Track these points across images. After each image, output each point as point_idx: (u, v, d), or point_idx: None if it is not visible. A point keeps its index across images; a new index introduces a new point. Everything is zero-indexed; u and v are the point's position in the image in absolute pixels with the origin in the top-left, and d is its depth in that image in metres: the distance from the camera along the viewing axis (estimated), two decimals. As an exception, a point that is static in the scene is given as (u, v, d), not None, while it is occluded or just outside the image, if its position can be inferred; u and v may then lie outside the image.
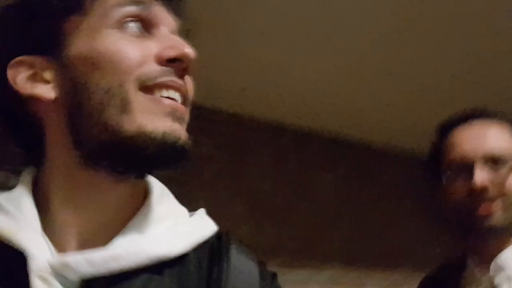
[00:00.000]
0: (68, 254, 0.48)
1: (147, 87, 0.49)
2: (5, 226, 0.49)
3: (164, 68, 0.51)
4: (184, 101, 0.52)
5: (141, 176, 0.53)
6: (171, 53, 0.51)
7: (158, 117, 0.49)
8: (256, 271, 0.55)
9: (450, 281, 0.98)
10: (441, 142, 1.00)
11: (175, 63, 0.51)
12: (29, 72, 0.52)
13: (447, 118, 1.02)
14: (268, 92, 2.57)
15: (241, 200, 2.70)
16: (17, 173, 0.57)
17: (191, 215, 0.58)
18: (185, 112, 0.52)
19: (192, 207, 0.58)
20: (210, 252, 0.54)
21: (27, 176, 0.55)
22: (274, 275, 0.58)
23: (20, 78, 0.52)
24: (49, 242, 0.49)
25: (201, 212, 0.58)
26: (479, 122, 0.97)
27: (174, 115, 0.50)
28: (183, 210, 0.58)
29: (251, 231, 2.62)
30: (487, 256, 0.93)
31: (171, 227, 0.53)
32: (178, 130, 0.49)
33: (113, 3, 0.51)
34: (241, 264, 0.54)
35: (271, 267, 0.57)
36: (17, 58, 0.52)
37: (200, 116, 2.38)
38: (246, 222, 2.63)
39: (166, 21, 0.54)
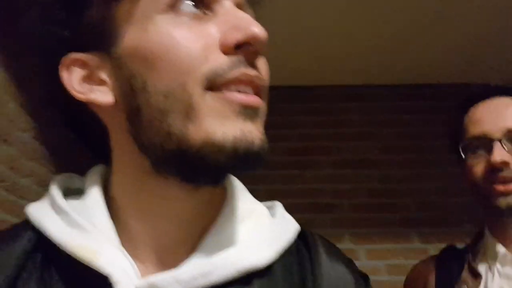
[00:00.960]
0: (155, 274, 0.44)
1: (216, 86, 0.42)
2: (83, 246, 0.44)
3: (233, 58, 0.43)
4: (259, 92, 0.45)
5: (217, 183, 0.47)
6: (238, 37, 0.42)
7: (228, 120, 0.42)
8: (349, 276, 0.50)
9: (458, 259, 0.97)
10: (461, 118, 0.99)
11: (244, 48, 0.43)
12: (84, 72, 0.46)
13: (467, 95, 1.01)
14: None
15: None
16: (84, 173, 0.52)
17: (271, 213, 0.54)
18: (260, 105, 0.44)
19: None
20: (298, 257, 0.50)
21: (96, 177, 0.50)
22: (366, 277, 0.53)
23: (75, 80, 0.46)
24: (130, 258, 0.45)
25: (280, 209, 0.54)
26: (500, 99, 0.95)
27: (246, 113, 0.42)
28: (262, 208, 0.54)
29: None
30: (507, 236, 0.92)
31: (256, 233, 0.49)
32: (251, 132, 0.42)
33: None
34: (333, 270, 0.49)
35: None
36: (70, 56, 0.47)
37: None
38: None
39: None
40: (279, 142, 2.46)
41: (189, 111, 0.42)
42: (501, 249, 0.92)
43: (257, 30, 0.43)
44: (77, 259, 0.43)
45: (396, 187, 2.43)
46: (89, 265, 0.43)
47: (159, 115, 0.42)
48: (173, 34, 0.43)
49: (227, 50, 0.43)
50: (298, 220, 0.53)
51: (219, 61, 0.42)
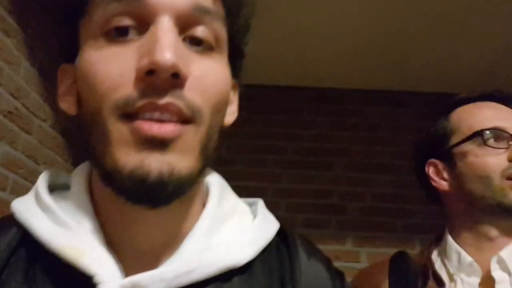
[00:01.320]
0: (138, 273, 0.43)
1: (128, 114, 0.41)
2: (68, 245, 0.43)
3: (144, 85, 0.41)
4: (183, 117, 0.42)
5: (155, 205, 0.43)
6: (145, 64, 0.40)
7: (132, 150, 0.41)
8: (326, 273, 0.51)
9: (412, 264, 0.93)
10: (445, 118, 0.97)
11: (155, 75, 0.40)
12: (69, 81, 0.48)
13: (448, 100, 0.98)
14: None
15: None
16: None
17: (252, 211, 0.54)
18: (171, 135, 0.41)
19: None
20: (278, 254, 0.51)
21: (82, 174, 0.50)
22: (342, 275, 0.54)
23: (62, 88, 0.49)
24: (115, 258, 0.44)
25: (261, 207, 0.54)
26: (493, 103, 0.93)
27: (152, 144, 0.40)
28: (244, 207, 0.54)
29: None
30: (490, 240, 0.88)
31: (238, 232, 0.49)
32: (150, 164, 0.40)
33: (98, 1, 0.43)
34: (311, 267, 0.50)
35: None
36: (61, 66, 0.49)
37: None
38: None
39: (167, 5, 0.42)
40: (290, 141, 2.50)
41: (104, 137, 0.42)
42: (467, 258, 0.87)
43: (159, 57, 0.40)
44: (62, 258, 0.43)
45: (405, 193, 2.43)
46: (74, 265, 0.42)
47: (87, 135, 0.44)
48: (96, 60, 0.43)
49: (140, 77, 0.41)
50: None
51: (129, 90, 0.41)
